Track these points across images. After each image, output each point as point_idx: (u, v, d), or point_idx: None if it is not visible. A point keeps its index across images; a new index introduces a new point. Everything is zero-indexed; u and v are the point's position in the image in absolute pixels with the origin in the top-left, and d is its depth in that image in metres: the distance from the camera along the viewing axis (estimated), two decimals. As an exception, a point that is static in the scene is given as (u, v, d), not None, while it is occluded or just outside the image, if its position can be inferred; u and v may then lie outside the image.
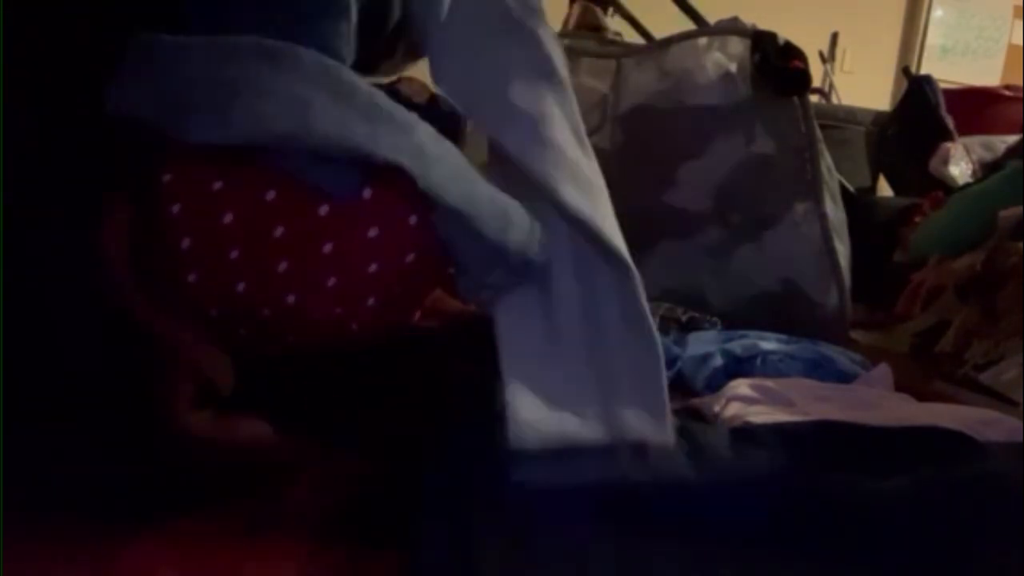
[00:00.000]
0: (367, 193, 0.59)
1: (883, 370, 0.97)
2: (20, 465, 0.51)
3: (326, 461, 0.58)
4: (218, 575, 0.50)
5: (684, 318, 1.15)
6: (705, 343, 1.04)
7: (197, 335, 0.58)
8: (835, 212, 1.22)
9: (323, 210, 0.58)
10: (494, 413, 0.59)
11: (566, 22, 1.68)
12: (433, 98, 1.62)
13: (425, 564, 0.50)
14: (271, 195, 0.59)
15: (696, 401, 0.89)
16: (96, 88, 0.53)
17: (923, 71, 2.80)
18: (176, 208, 0.59)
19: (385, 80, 1.46)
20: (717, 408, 0.84)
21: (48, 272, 0.55)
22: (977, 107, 2.35)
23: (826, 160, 1.22)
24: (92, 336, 0.56)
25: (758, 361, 0.99)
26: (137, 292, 0.56)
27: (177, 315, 0.59)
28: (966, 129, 2.04)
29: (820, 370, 0.99)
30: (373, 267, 0.59)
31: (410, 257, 0.61)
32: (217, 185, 0.59)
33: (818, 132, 1.21)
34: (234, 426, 0.57)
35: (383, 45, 0.69)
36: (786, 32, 1.21)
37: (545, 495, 0.54)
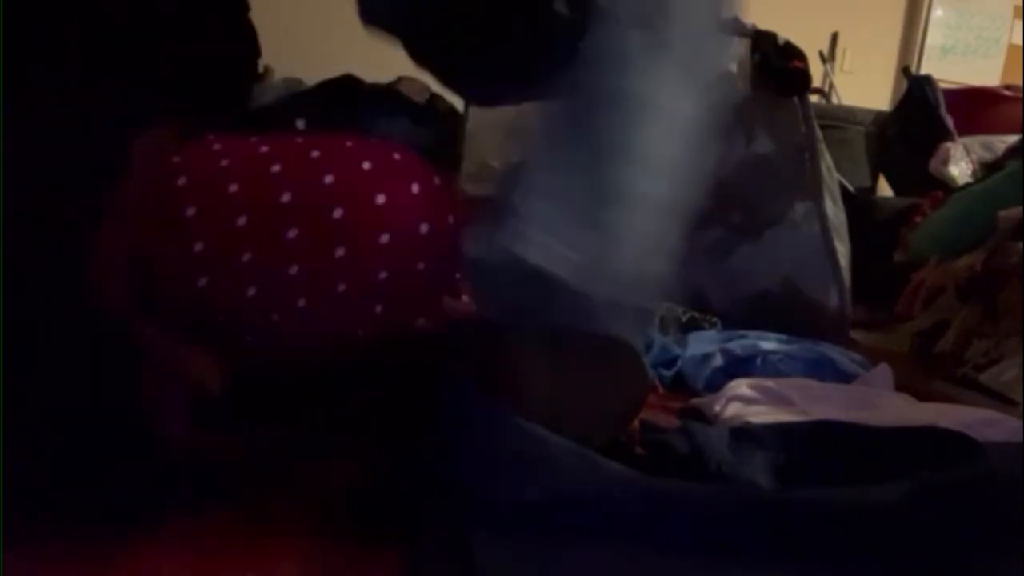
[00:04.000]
0: (380, 199, 0.59)
1: (883, 370, 0.97)
2: (19, 466, 0.51)
3: (325, 460, 0.58)
4: (218, 575, 0.50)
5: (684, 318, 1.15)
6: (705, 343, 1.04)
7: (186, 340, 0.57)
8: (835, 212, 1.22)
9: (337, 214, 0.58)
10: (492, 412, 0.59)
11: (566, 22, 1.67)
12: (433, 98, 1.62)
13: (424, 563, 0.50)
14: (286, 197, 0.58)
15: (696, 401, 0.89)
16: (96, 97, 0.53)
17: (923, 71, 2.80)
18: (191, 210, 0.59)
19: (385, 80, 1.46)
20: (717, 408, 0.84)
21: (40, 277, 0.55)
22: (977, 107, 2.35)
23: (826, 160, 1.22)
24: (84, 341, 0.56)
25: (758, 361, 0.99)
26: (127, 300, 0.55)
27: (169, 322, 0.59)
28: (966, 129, 2.04)
29: (820, 370, 0.99)
30: (383, 274, 0.59)
31: (420, 265, 0.61)
32: (233, 187, 0.59)
33: (818, 132, 1.21)
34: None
35: None
36: (786, 32, 1.22)
37: (542, 497, 0.54)
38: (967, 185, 1.63)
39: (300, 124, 1.43)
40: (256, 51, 0.76)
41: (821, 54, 3.08)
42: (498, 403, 0.63)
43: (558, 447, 0.57)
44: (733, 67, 1.23)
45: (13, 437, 0.51)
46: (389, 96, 1.57)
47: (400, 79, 1.61)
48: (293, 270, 0.58)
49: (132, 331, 0.55)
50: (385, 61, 0.88)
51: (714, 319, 1.16)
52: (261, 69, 2.06)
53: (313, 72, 1.73)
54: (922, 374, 1.06)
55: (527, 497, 0.53)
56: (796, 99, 1.20)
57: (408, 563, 0.50)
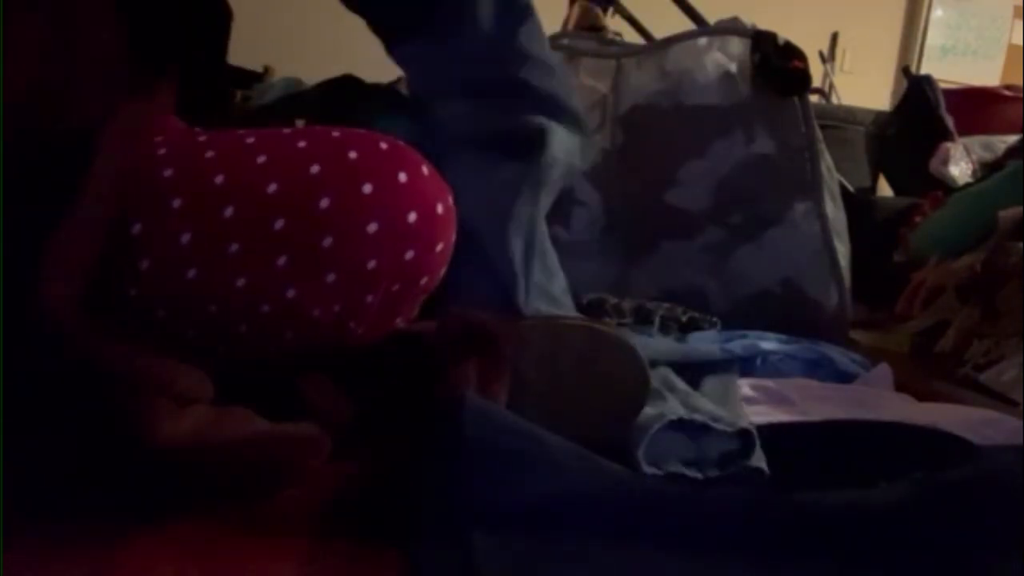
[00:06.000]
0: (367, 188, 0.59)
1: (883, 370, 0.97)
2: (18, 466, 0.50)
3: (324, 459, 0.58)
4: (218, 575, 0.50)
5: (684, 318, 1.15)
6: (705, 343, 1.04)
7: (161, 352, 0.56)
8: (835, 212, 1.22)
9: (324, 203, 0.58)
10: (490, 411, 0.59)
11: (566, 22, 1.68)
12: (433, 98, 1.62)
13: (424, 563, 0.50)
14: (272, 188, 0.58)
15: (696, 401, 0.89)
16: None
17: (923, 71, 2.80)
18: (177, 202, 0.59)
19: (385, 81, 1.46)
20: (717, 408, 0.84)
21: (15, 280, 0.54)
22: (977, 107, 2.35)
23: (826, 160, 1.22)
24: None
25: (758, 361, 0.99)
26: (79, 321, 0.53)
27: (155, 321, 0.58)
28: (966, 129, 2.04)
29: (820, 370, 0.99)
30: (372, 263, 0.59)
31: (409, 254, 0.60)
32: (219, 179, 0.59)
33: (818, 132, 1.21)
34: (223, 426, 0.56)
35: None
36: (786, 32, 1.21)
37: (541, 497, 0.54)
38: (967, 185, 1.63)
39: (300, 125, 1.43)
40: (228, 15, 0.75)
41: (821, 54, 3.08)
42: (497, 403, 0.63)
43: (558, 447, 0.57)
44: (733, 67, 1.23)
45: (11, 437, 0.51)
46: (389, 96, 1.57)
47: (400, 79, 1.61)
48: (281, 260, 0.58)
49: (79, 342, 0.52)
50: (385, 61, 0.88)
51: (714, 319, 1.16)
52: (261, 69, 2.06)
53: (313, 72, 1.72)
54: (922, 374, 1.06)
55: (527, 497, 0.53)
56: (796, 99, 1.20)
57: (408, 563, 0.50)
